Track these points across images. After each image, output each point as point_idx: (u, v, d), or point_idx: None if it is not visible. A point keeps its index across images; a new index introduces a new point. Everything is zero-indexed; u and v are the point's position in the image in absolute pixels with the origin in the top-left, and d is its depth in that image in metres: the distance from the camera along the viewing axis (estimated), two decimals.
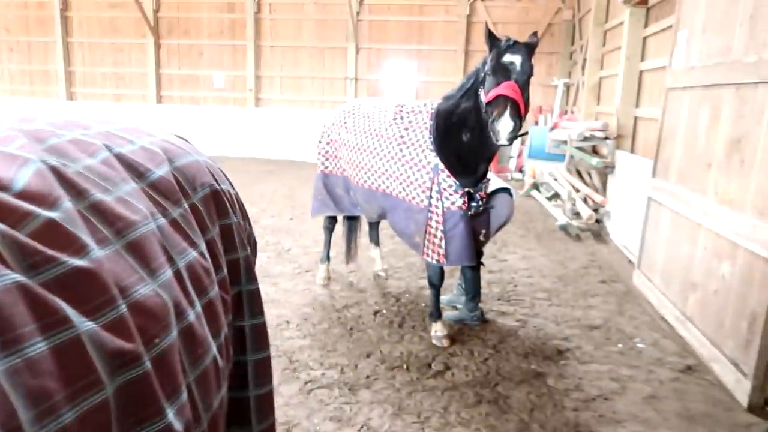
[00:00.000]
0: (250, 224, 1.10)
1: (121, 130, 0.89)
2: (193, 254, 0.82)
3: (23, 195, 0.62)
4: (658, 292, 4.68)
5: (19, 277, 0.53)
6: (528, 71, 3.36)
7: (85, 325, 0.57)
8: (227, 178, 1.04)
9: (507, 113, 3.20)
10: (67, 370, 0.53)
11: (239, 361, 1.02)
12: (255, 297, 1.04)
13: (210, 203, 0.92)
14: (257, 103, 14.57)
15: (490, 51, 3.43)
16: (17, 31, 15.40)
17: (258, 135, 14.30)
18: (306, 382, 3.36)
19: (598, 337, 4.13)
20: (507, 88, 3.25)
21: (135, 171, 0.81)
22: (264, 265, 5.53)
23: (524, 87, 3.34)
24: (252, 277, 1.03)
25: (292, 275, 5.29)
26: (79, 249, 0.61)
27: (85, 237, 0.64)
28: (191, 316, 0.76)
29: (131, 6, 14.18)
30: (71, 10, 15.03)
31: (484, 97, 3.42)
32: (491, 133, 3.30)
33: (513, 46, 3.37)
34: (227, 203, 0.97)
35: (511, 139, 3.25)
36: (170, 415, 0.67)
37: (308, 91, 14.45)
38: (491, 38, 3.44)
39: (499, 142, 3.27)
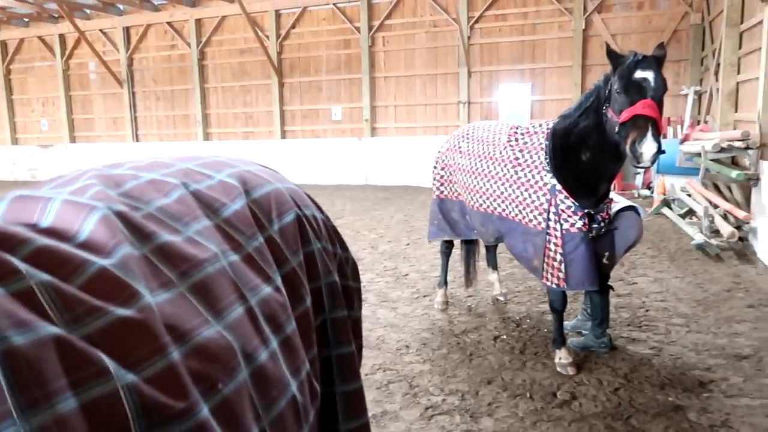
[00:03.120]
0: (344, 248, 1.06)
1: (203, 165, 0.90)
2: (268, 290, 0.80)
3: (85, 244, 0.63)
4: None
5: (56, 330, 0.52)
6: (663, 86, 3.19)
7: (125, 377, 0.55)
8: (314, 203, 1.03)
9: (649, 134, 3.05)
10: (96, 427, 0.51)
11: (327, 393, 0.97)
12: (341, 325, 0.99)
13: (293, 231, 0.91)
14: (373, 132, 15.07)
15: (615, 68, 3.29)
16: (162, 82, 17.33)
17: (374, 163, 14.78)
18: (427, 408, 3.36)
19: (747, 368, 3.72)
20: (646, 107, 3.09)
21: (210, 207, 0.81)
22: (382, 290, 5.65)
23: (660, 104, 3.18)
24: (339, 305, 0.98)
25: (410, 300, 5.35)
26: (129, 297, 0.60)
27: (140, 283, 0.63)
28: (263, 356, 0.74)
29: (258, 51, 15.42)
30: (207, 59, 16.64)
31: (613, 117, 3.27)
32: (631, 156, 3.14)
33: (643, 60, 3.21)
34: (310, 229, 0.95)
35: (654, 161, 3.09)
36: None
37: (422, 117, 14.70)
38: (613, 55, 3.32)
39: (641, 164, 3.12)
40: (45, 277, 0.56)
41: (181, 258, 0.70)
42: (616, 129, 3.24)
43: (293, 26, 15.43)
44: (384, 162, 14.66)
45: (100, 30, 17.51)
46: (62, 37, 18.11)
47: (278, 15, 15.52)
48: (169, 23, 16.74)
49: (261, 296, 0.78)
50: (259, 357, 0.73)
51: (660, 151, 3.06)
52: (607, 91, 3.38)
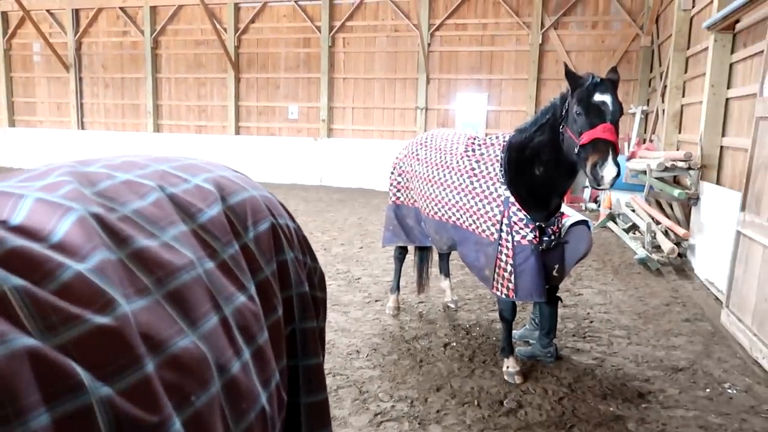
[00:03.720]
0: (313, 258, 1.05)
1: (178, 168, 0.87)
2: (242, 299, 0.79)
3: (60, 246, 0.60)
4: (750, 334, 4.36)
5: (30, 341, 0.49)
6: (620, 110, 3.28)
7: (100, 391, 0.52)
8: (287, 212, 1.02)
9: (610, 158, 3.14)
10: None
11: (292, 404, 0.96)
12: (310, 336, 0.98)
13: (267, 240, 0.89)
14: (329, 133, 14.97)
15: (573, 89, 3.37)
16: (112, 69, 16.69)
17: (329, 164, 14.70)
18: (376, 414, 3.35)
19: (683, 380, 3.89)
20: (605, 131, 3.17)
21: (186, 212, 0.79)
22: (334, 293, 5.61)
23: (617, 127, 3.27)
24: (309, 316, 0.97)
25: (362, 304, 5.33)
26: (105, 305, 0.58)
27: (116, 290, 0.60)
28: (236, 367, 0.72)
29: (215, 43, 15.09)
30: (161, 48, 16.14)
31: (572, 137, 3.34)
32: (592, 178, 3.21)
33: (601, 84, 3.29)
34: (284, 239, 0.94)
35: (613, 184, 3.18)
36: None
37: (379, 121, 14.71)
38: (571, 76, 3.39)
39: (601, 187, 3.20)
40: (18, 281, 0.52)
41: (158, 264, 0.68)
42: (576, 150, 3.30)
43: (252, 21, 15.17)
44: (339, 163, 14.60)
45: (47, 10, 16.71)
46: (5, 15, 17.19)
47: (237, 8, 15.22)
48: (122, 8, 16.14)
49: (235, 305, 0.77)
50: (231, 368, 0.72)
51: (618, 174, 3.16)
52: (564, 111, 3.45)
